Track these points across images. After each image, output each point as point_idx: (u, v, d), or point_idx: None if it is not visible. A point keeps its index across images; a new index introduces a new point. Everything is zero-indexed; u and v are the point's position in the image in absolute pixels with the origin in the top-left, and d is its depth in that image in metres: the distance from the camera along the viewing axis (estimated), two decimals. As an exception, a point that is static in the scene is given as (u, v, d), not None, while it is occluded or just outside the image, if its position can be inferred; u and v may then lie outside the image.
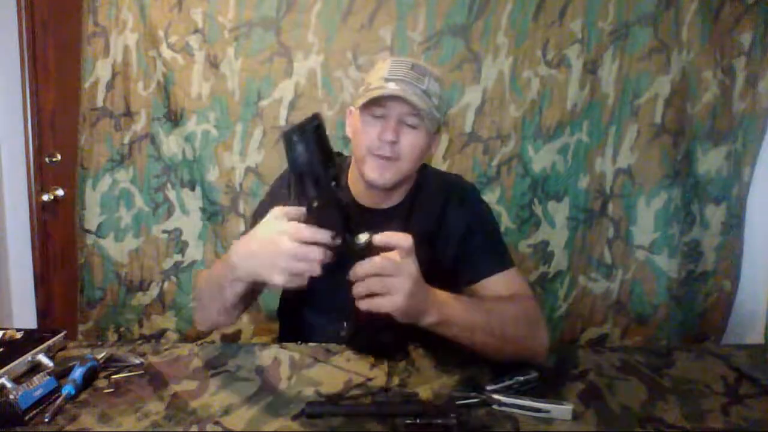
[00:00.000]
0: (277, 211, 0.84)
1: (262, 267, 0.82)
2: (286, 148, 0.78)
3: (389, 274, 0.79)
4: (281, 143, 1.83)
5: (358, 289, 0.80)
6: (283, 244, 0.79)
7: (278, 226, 0.81)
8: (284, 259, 0.79)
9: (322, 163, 0.78)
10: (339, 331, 1.07)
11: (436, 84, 1.06)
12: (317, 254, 0.79)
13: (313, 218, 0.80)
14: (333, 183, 0.79)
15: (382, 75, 1.04)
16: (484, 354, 0.96)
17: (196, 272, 1.91)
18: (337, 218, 0.80)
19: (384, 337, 0.99)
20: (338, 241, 0.80)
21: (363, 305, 0.80)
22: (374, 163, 1.05)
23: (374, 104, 1.03)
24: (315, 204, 0.79)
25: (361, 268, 0.79)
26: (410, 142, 1.04)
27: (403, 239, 0.81)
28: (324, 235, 0.79)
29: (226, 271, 0.92)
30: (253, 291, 0.98)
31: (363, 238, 0.80)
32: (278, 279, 0.80)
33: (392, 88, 1.02)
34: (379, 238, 0.80)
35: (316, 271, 0.79)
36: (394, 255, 0.80)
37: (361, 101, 1.04)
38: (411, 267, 0.81)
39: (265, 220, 0.85)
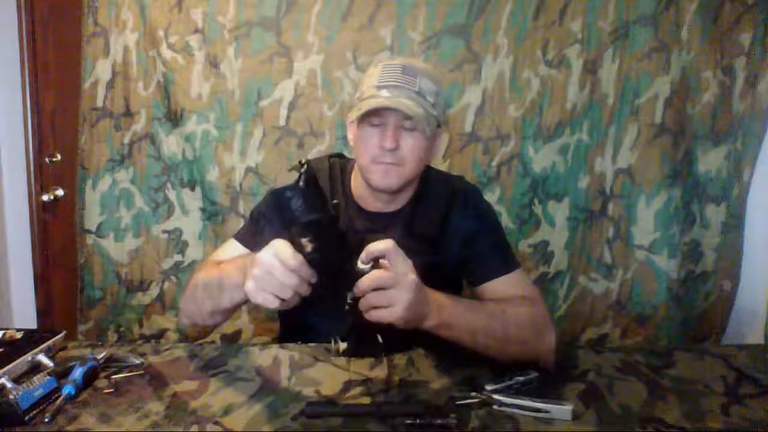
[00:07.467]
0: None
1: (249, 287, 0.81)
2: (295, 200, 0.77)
3: (388, 287, 0.80)
4: (281, 143, 1.85)
5: (362, 304, 0.81)
6: (266, 256, 0.79)
7: (275, 244, 0.80)
8: (260, 269, 0.78)
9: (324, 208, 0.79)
10: (337, 349, 1.05)
11: (430, 81, 1.04)
12: (289, 280, 0.77)
13: (315, 254, 0.79)
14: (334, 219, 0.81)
15: (374, 82, 1.04)
16: (487, 356, 0.96)
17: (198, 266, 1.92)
18: (339, 253, 0.81)
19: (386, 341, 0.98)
20: (320, 284, 0.80)
21: (368, 317, 0.81)
22: (379, 171, 1.05)
23: (370, 114, 1.03)
24: (314, 251, 0.78)
25: (362, 283, 0.80)
26: (411, 145, 1.04)
27: (383, 245, 0.80)
28: (307, 274, 0.79)
29: (238, 276, 0.90)
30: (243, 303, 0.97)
31: (366, 265, 0.81)
32: (249, 286, 0.80)
33: (384, 96, 1.01)
34: (364, 255, 0.80)
35: (285, 294, 0.78)
36: (388, 265, 0.81)
37: (355, 114, 1.04)
38: (410, 278, 0.81)
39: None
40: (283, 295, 0.78)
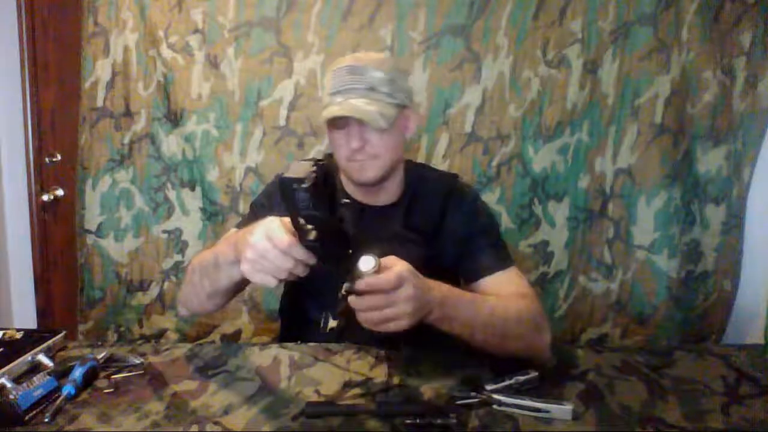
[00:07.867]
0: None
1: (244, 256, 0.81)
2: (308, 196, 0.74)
3: (383, 307, 0.79)
4: (281, 143, 1.85)
5: (361, 318, 0.81)
6: (258, 239, 0.79)
7: (267, 223, 0.80)
8: (252, 252, 0.79)
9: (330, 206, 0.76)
10: (325, 326, 1.05)
11: (380, 72, 1.05)
12: (283, 263, 0.78)
13: (316, 243, 0.78)
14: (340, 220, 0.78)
15: (329, 90, 1.07)
16: (484, 350, 0.96)
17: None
18: (340, 250, 0.80)
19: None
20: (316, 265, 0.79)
21: (375, 330, 0.81)
22: (355, 168, 1.09)
23: (332, 122, 1.06)
24: (316, 239, 0.77)
25: (356, 303, 0.80)
26: (378, 138, 1.07)
27: (384, 282, 0.79)
28: (302, 255, 0.78)
29: (231, 253, 0.91)
30: (243, 282, 0.97)
31: (368, 266, 0.79)
32: (245, 268, 0.81)
33: (337, 103, 1.04)
34: (363, 286, 0.79)
35: (281, 276, 0.79)
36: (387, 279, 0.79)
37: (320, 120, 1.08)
38: (407, 291, 0.80)
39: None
40: (280, 276, 0.79)
